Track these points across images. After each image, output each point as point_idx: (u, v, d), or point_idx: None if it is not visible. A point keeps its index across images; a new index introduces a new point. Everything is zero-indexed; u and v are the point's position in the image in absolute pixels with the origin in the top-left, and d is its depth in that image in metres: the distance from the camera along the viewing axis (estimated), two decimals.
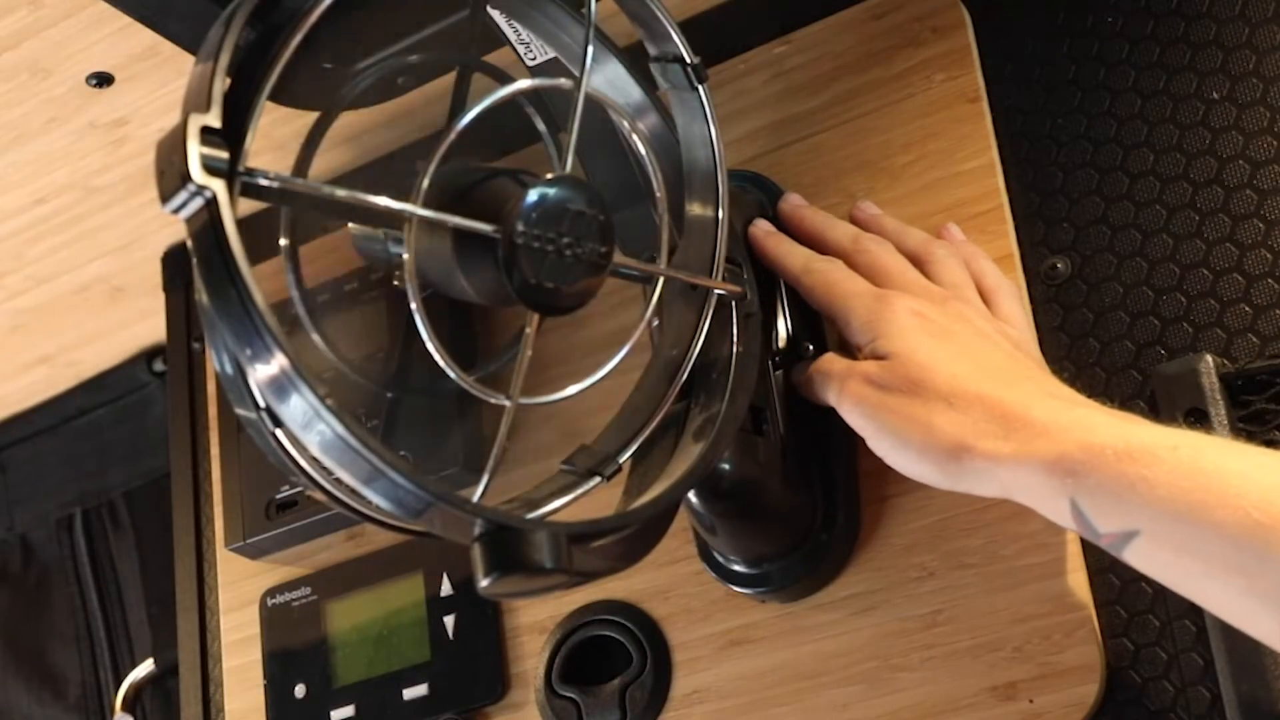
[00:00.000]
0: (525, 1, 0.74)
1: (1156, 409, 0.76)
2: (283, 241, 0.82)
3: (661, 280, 0.71)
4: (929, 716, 0.77)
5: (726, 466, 0.74)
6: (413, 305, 0.60)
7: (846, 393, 0.73)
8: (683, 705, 0.84)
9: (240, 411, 0.59)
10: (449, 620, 0.92)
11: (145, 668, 1.21)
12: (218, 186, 0.53)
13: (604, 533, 0.63)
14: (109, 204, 1.04)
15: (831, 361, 0.75)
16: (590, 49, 0.68)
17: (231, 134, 0.54)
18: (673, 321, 0.74)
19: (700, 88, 0.75)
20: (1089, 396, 0.70)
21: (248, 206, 0.55)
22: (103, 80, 0.90)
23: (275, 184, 0.56)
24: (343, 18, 0.59)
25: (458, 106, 0.78)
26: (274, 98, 0.57)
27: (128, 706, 1.20)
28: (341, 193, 0.58)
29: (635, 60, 0.76)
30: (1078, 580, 0.76)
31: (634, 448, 0.69)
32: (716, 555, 0.83)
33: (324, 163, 0.84)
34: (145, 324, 1.20)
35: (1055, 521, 0.65)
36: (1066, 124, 0.83)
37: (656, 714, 0.85)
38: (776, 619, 0.83)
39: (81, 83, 0.90)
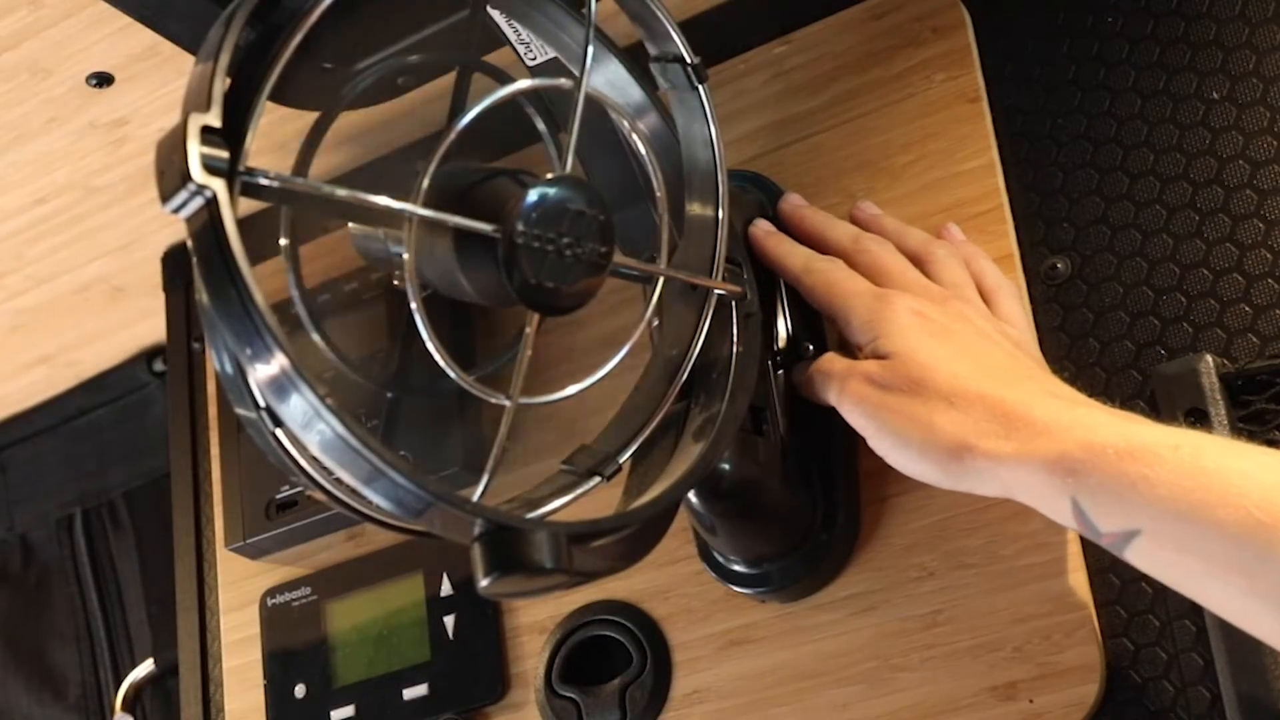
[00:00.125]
0: (525, 1, 0.74)
1: (1157, 409, 0.76)
2: (283, 241, 0.83)
3: (661, 280, 0.71)
4: (929, 716, 0.77)
5: (726, 466, 0.74)
6: (413, 305, 0.60)
7: (847, 392, 0.72)
8: (683, 705, 0.84)
9: (240, 411, 0.59)
10: (449, 620, 0.92)
11: (145, 668, 1.21)
12: (218, 186, 0.53)
13: (604, 533, 0.63)
14: (109, 204, 1.04)
15: (832, 361, 0.75)
16: (590, 49, 0.68)
17: (231, 134, 0.54)
18: (673, 321, 0.74)
19: (700, 88, 0.75)
20: (1089, 396, 0.70)
21: (248, 206, 0.55)
22: (103, 80, 0.90)
23: (275, 184, 0.56)
24: (343, 18, 0.59)
25: (458, 106, 0.78)
26: (274, 98, 0.57)
27: (128, 706, 1.20)
28: (342, 192, 0.58)
29: (635, 60, 0.76)
30: (1078, 580, 0.76)
31: (634, 448, 0.69)
32: (716, 555, 0.83)
33: (324, 163, 0.84)
34: (145, 324, 1.20)
35: (1056, 521, 0.65)
36: (1066, 124, 0.83)
37: (656, 714, 0.85)
38: (776, 619, 0.83)
39: (81, 83, 0.90)
